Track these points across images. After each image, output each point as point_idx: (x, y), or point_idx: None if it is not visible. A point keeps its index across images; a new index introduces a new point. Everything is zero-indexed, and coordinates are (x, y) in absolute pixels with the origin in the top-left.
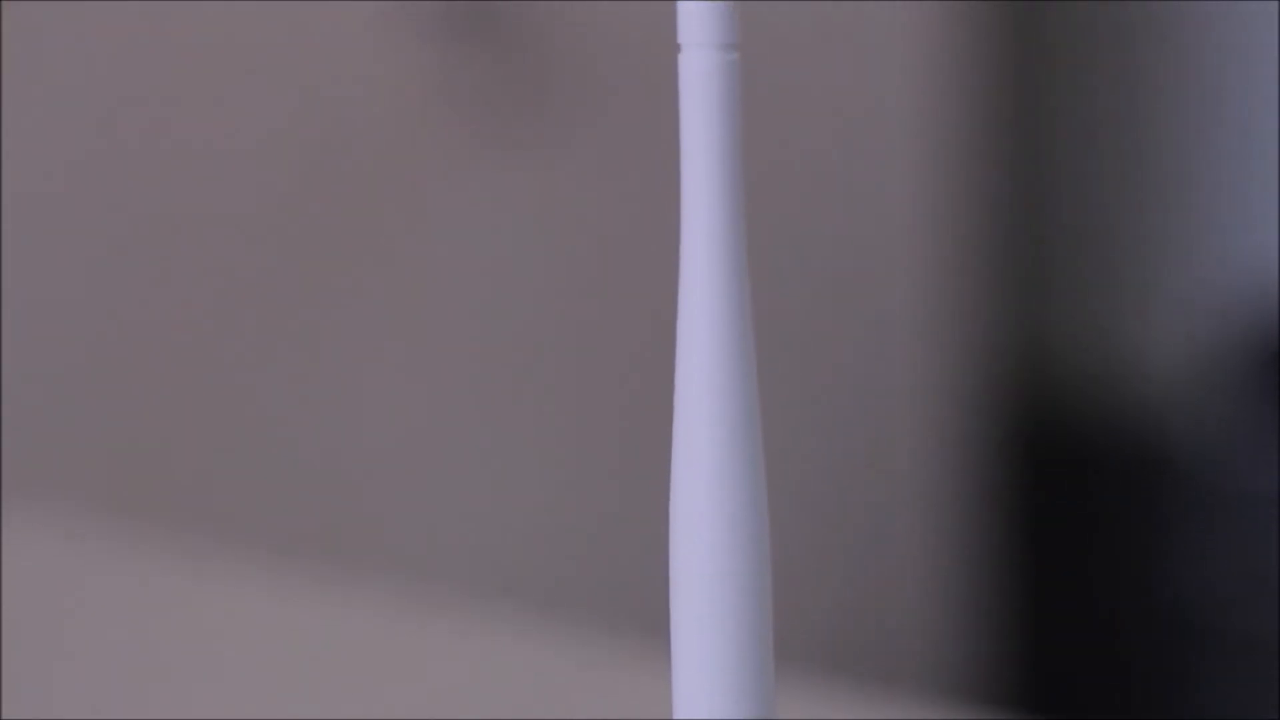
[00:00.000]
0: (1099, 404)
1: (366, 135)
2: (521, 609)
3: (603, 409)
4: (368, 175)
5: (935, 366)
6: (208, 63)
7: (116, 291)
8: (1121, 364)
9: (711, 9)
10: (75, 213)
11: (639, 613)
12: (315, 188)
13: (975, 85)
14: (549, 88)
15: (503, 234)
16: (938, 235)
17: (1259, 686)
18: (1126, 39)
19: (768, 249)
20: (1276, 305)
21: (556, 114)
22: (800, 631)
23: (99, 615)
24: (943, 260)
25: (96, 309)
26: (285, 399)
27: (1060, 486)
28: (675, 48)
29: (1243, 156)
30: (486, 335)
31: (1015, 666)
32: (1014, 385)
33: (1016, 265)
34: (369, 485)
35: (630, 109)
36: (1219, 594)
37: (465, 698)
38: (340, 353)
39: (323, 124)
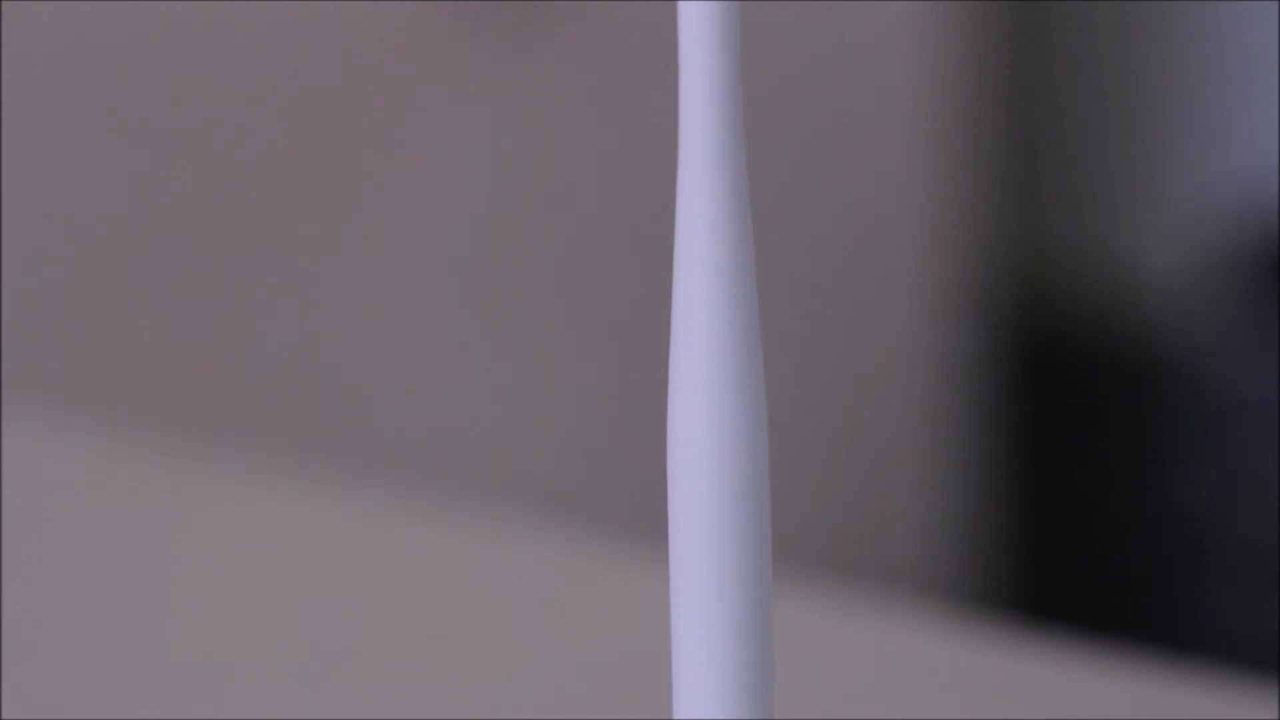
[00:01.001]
0: (1098, 311)
1: (364, 39)
2: (524, 512)
3: (603, 308)
4: (370, 77)
5: (934, 274)
6: None
7: (117, 193)
8: (1120, 271)
9: None
10: (76, 111)
11: (640, 517)
12: (316, 91)
13: None
14: None
15: (503, 141)
16: (934, 144)
17: (1255, 593)
18: None
19: (764, 157)
20: (1275, 211)
21: (554, 12)
22: (799, 536)
23: (96, 517)
24: (940, 169)
25: (97, 210)
26: (286, 304)
27: (1058, 393)
28: None
29: (1242, 60)
30: (487, 238)
31: (1012, 570)
32: (1013, 292)
33: (1014, 173)
34: (369, 389)
35: (628, 9)
36: (1217, 500)
37: (466, 600)
38: (341, 256)
39: (319, 30)
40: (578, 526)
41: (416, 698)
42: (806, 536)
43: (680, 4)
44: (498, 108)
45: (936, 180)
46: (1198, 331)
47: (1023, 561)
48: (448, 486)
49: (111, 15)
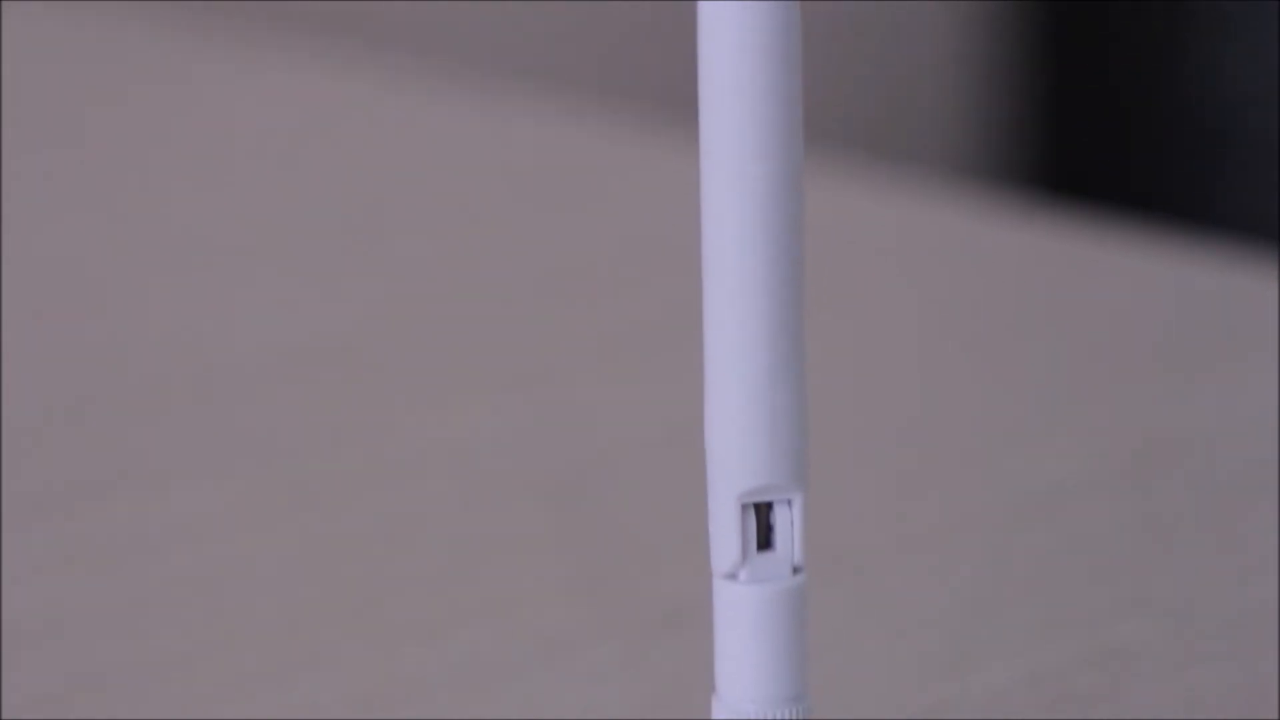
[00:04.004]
0: None
1: None
2: (544, 93)
3: None
4: None
5: None
6: None
7: None
8: None
9: None
10: None
11: (665, 102)
12: None
13: None
14: None
15: None
16: None
17: (1269, 187)
18: None
19: None
20: None
21: None
22: (828, 112)
23: (99, 95)
24: None
25: None
26: None
27: None
28: None
29: None
30: None
31: (1035, 148)
32: None
33: None
34: None
35: None
36: (1236, 94)
37: (483, 176)
38: None
39: None
40: (602, 107)
41: (420, 289)
42: (832, 119)
43: None
44: None
45: None
46: None
47: (1044, 138)
48: (461, 63)
49: None
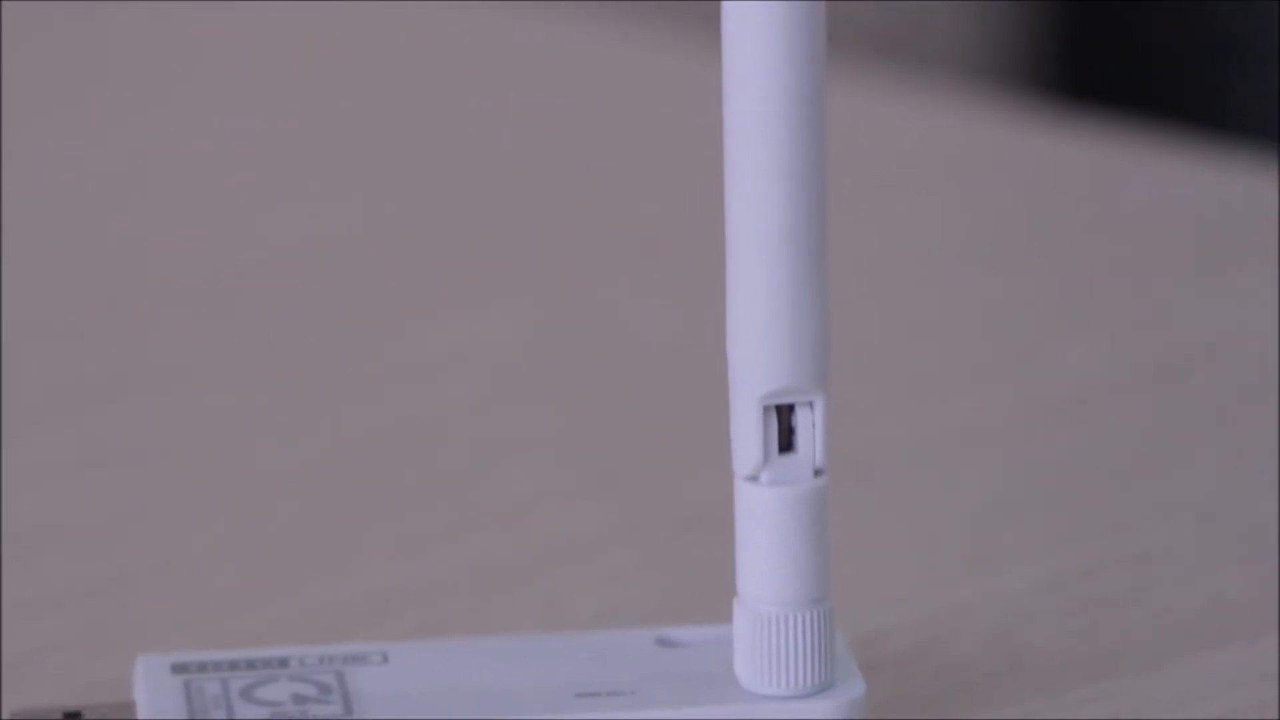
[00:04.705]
0: None
1: None
2: None
3: None
4: None
5: None
6: None
7: None
8: None
9: None
10: None
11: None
12: None
13: None
14: None
15: None
16: None
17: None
18: None
19: None
20: None
21: None
22: (850, 16)
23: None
24: None
25: None
26: None
27: None
28: None
29: None
30: None
31: (1055, 53)
32: None
33: None
34: None
35: None
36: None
37: (500, 77)
38: None
39: None
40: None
41: (437, 192)
42: (854, 23)
43: None
44: None
45: None
46: None
47: (1067, 46)
48: None
49: None
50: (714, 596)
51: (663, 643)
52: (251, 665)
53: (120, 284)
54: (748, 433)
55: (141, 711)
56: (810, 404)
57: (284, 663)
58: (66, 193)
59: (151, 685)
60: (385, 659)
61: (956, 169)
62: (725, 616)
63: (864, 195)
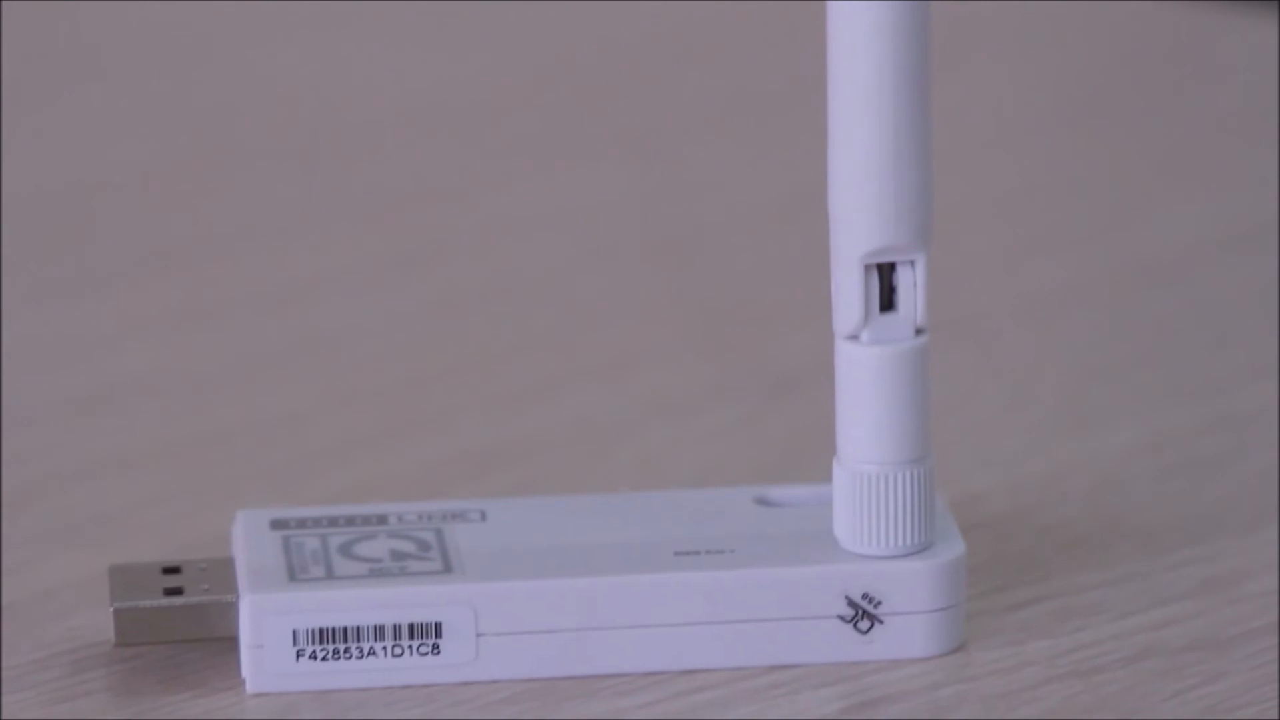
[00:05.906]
0: None
1: None
2: None
3: None
4: None
5: None
6: None
7: None
8: None
9: None
10: None
11: None
12: None
13: None
14: None
15: None
16: None
17: None
18: None
19: None
20: None
21: None
22: None
23: None
24: None
25: None
26: None
27: None
28: None
29: None
30: None
31: None
32: None
33: None
34: None
35: None
36: None
37: None
38: None
39: None
40: None
41: (535, 53)
42: None
43: None
44: None
45: None
46: None
47: None
48: None
49: None
50: (813, 456)
51: (761, 502)
52: (350, 521)
53: (215, 143)
54: (849, 291)
55: (240, 567)
56: (911, 263)
57: (383, 519)
58: (166, 44)
59: (250, 541)
60: (484, 516)
61: (1057, 32)
62: (824, 476)
63: (968, 58)
